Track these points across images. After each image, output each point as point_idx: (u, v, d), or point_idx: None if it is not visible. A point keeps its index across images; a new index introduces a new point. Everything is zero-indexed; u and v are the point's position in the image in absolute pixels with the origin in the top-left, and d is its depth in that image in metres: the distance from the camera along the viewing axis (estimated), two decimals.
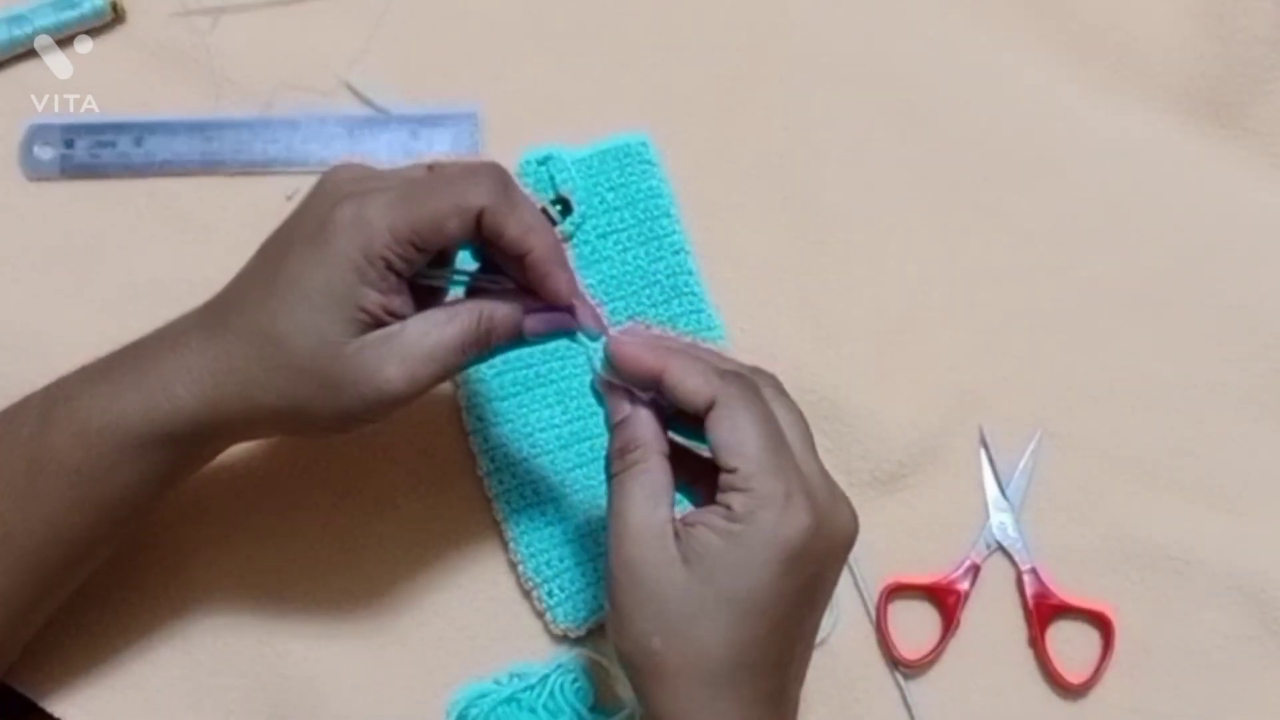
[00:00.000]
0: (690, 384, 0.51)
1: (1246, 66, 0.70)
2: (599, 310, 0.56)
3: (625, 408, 0.53)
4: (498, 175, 0.54)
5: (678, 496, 0.53)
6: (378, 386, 0.53)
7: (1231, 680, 0.65)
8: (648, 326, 0.54)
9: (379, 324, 0.53)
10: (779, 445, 0.51)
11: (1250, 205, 0.70)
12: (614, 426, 0.53)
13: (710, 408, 0.51)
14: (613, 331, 0.54)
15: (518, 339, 0.55)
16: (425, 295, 0.55)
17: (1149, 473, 0.67)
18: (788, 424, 0.52)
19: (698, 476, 0.54)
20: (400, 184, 0.54)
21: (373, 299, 0.52)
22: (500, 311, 0.54)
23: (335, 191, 0.54)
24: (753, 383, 0.52)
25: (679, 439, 0.55)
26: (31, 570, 0.56)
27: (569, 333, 0.55)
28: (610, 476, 0.53)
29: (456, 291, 0.57)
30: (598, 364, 0.54)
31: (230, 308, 0.55)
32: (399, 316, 0.53)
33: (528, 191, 0.67)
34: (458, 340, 0.53)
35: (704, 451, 0.53)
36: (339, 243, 0.52)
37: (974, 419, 0.67)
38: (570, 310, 0.55)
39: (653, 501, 0.51)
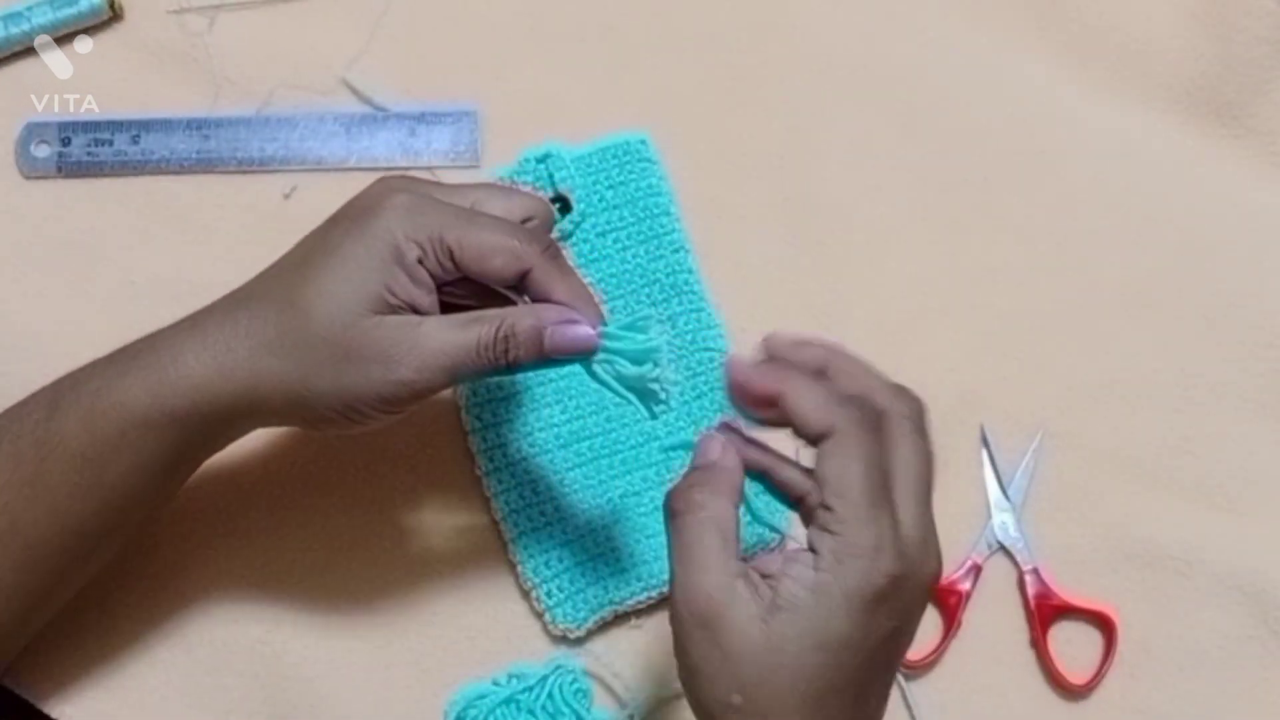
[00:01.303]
0: (808, 409, 0.49)
1: (1247, 66, 0.70)
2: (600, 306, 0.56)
3: (717, 449, 0.51)
4: (542, 215, 0.56)
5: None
6: (385, 368, 0.53)
7: (1232, 680, 0.65)
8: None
9: (400, 312, 0.53)
10: (881, 489, 0.49)
11: (1250, 205, 0.70)
12: (698, 465, 0.51)
13: (825, 438, 0.49)
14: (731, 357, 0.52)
15: (540, 355, 0.54)
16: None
17: (1150, 473, 0.67)
18: (904, 463, 0.50)
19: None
20: (460, 203, 0.55)
21: (401, 282, 0.53)
22: (524, 322, 0.54)
23: (393, 185, 0.55)
24: (875, 416, 0.50)
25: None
26: (38, 561, 0.56)
27: (592, 353, 0.54)
28: (674, 514, 0.50)
29: None
30: (628, 345, 0.53)
31: (260, 280, 0.56)
32: (422, 314, 0.54)
33: (527, 188, 0.67)
34: (474, 341, 0.53)
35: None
36: (385, 219, 0.53)
37: (974, 419, 0.67)
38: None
39: (727, 554, 0.49)
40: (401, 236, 0.53)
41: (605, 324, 0.54)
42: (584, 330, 0.54)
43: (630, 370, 0.54)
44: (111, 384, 0.55)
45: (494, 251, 0.53)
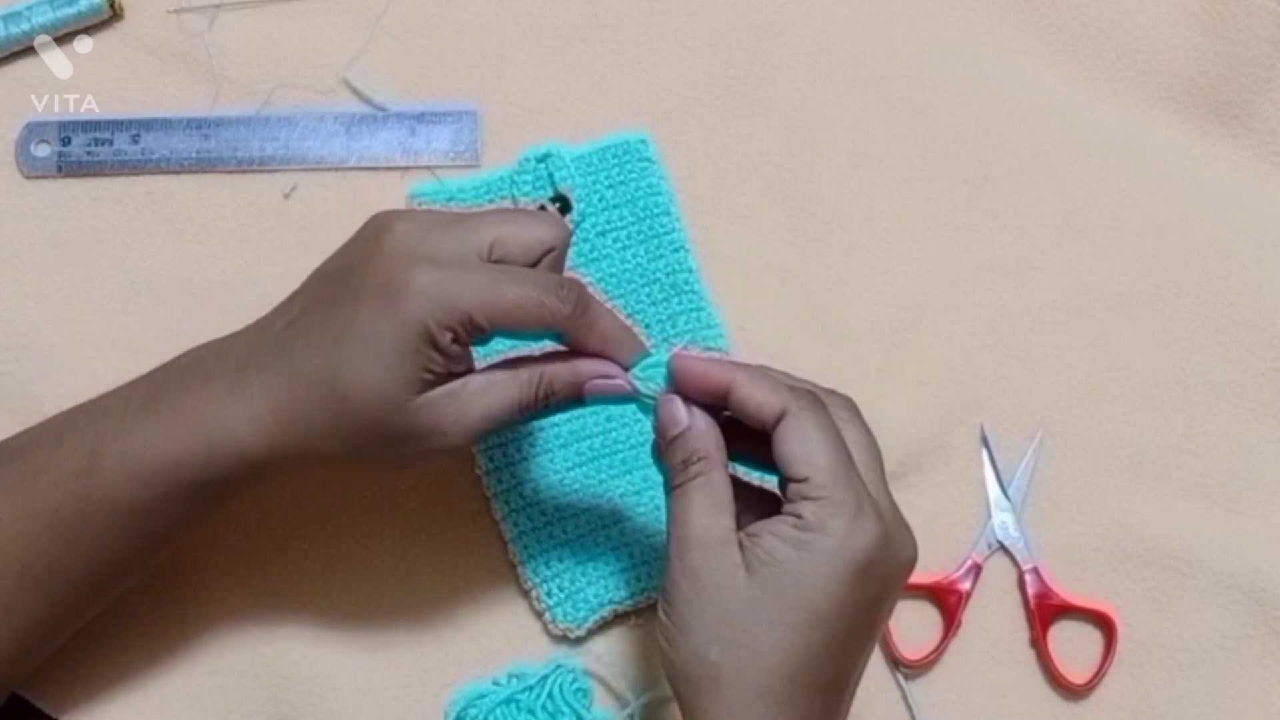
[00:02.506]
0: (761, 396, 0.52)
1: (1247, 66, 0.70)
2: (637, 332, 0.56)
3: (683, 420, 0.53)
4: (559, 240, 0.56)
5: None
6: (435, 441, 0.54)
7: (1232, 680, 0.65)
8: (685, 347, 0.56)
9: (441, 382, 0.53)
10: (848, 459, 0.51)
11: (1251, 205, 0.70)
12: (672, 439, 0.53)
13: (780, 419, 0.51)
14: (676, 348, 0.55)
15: (577, 401, 0.55)
16: None
17: (1150, 472, 0.67)
18: (857, 444, 0.52)
19: (749, 505, 0.54)
20: (485, 272, 0.54)
21: (438, 361, 0.53)
22: (561, 376, 0.55)
23: (408, 250, 0.53)
24: (821, 400, 0.53)
25: (738, 468, 0.55)
26: (70, 598, 0.56)
27: (630, 399, 0.55)
28: (671, 489, 0.53)
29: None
30: (657, 379, 0.55)
31: (295, 350, 0.54)
32: (461, 373, 0.54)
33: (528, 188, 0.67)
34: (516, 401, 0.54)
35: (756, 481, 0.54)
36: (413, 307, 0.52)
37: (974, 418, 0.67)
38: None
39: (716, 511, 0.51)
40: (434, 324, 0.52)
41: (634, 363, 0.55)
42: (619, 385, 0.55)
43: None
44: (160, 446, 0.54)
45: (525, 315, 0.53)
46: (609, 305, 0.57)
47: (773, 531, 0.50)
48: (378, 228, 0.55)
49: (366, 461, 0.55)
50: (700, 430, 0.53)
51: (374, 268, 0.54)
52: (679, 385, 0.54)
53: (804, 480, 0.50)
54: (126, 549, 0.56)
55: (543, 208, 0.67)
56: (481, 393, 0.54)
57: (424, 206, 0.67)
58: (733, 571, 0.50)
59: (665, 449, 0.54)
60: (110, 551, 0.55)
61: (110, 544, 0.55)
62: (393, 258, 0.54)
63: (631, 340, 0.55)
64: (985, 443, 0.67)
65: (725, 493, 0.52)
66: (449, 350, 0.53)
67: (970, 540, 0.66)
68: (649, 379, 0.55)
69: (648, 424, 0.65)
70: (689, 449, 0.53)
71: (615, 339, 0.55)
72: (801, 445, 0.51)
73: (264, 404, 0.54)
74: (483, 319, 0.52)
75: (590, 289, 0.55)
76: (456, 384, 0.54)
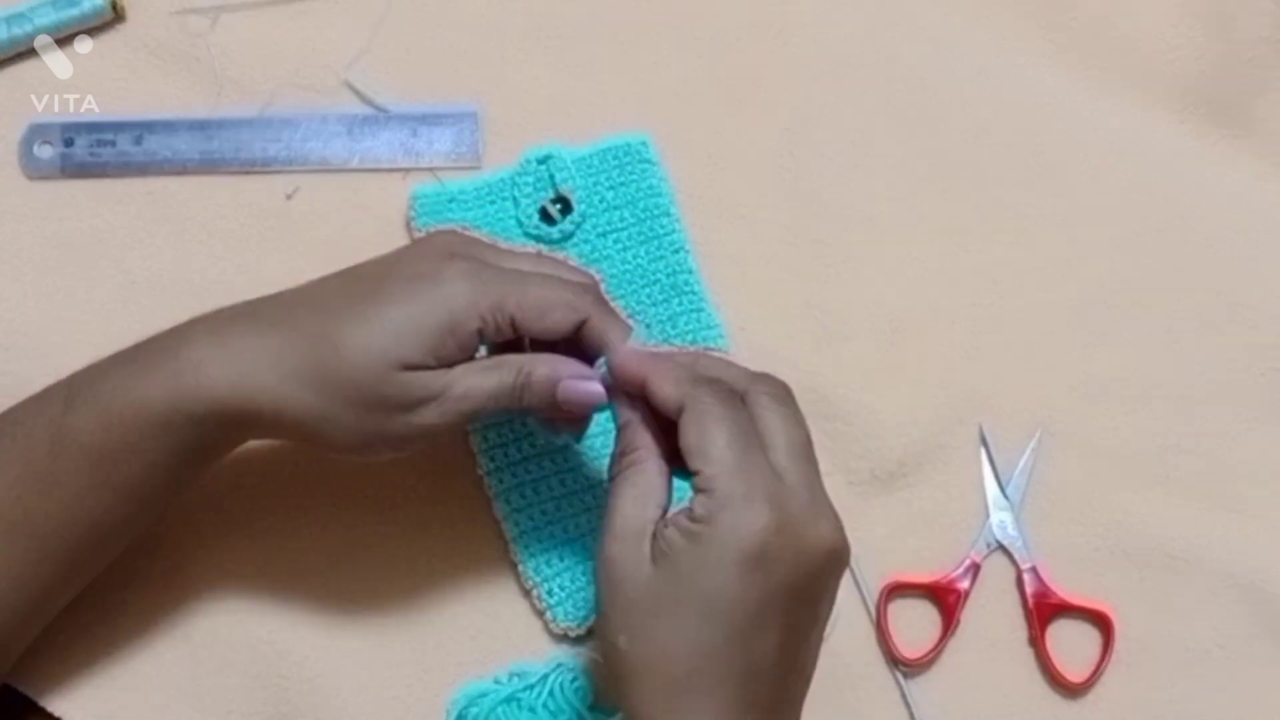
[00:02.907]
0: (665, 390, 0.53)
1: (1247, 66, 0.70)
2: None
3: (626, 413, 0.55)
4: (598, 288, 0.57)
5: None
6: (409, 415, 0.54)
7: (1232, 679, 0.65)
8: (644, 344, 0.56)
9: (436, 369, 0.54)
10: (746, 449, 0.51)
11: (1251, 205, 0.70)
12: (618, 431, 0.55)
13: (680, 413, 0.52)
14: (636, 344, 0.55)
15: (551, 405, 0.56)
16: None
17: (1149, 471, 0.67)
18: (773, 430, 0.52)
19: None
20: (513, 269, 0.56)
21: (449, 349, 0.54)
22: (540, 371, 0.55)
23: (450, 248, 0.56)
24: (730, 390, 0.53)
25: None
26: (48, 555, 0.56)
27: (601, 409, 0.56)
28: (609, 481, 0.54)
29: None
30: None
31: (300, 306, 0.56)
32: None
33: (529, 189, 0.68)
34: (494, 389, 0.55)
35: None
36: (448, 290, 0.54)
37: (974, 418, 0.68)
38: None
39: (641, 502, 0.52)
40: (463, 308, 0.54)
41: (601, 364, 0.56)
42: (594, 387, 0.55)
43: None
44: (130, 384, 0.55)
45: (552, 308, 0.55)
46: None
47: (674, 523, 0.51)
48: (422, 237, 0.57)
49: (334, 429, 0.54)
50: (634, 423, 0.54)
51: (407, 260, 0.56)
52: (616, 381, 0.55)
53: (698, 473, 0.51)
54: (98, 500, 0.55)
55: (543, 209, 0.68)
56: (464, 377, 0.55)
57: (426, 208, 0.67)
58: (640, 563, 0.51)
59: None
60: (84, 503, 0.55)
61: (83, 493, 0.55)
62: (430, 252, 0.56)
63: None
64: (984, 442, 0.67)
65: (654, 484, 0.53)
66: (467, 341, 0.54)
67: (969, 539, 0.66)
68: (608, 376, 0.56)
69: None
70: (624, 441, 0.54)
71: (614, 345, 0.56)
72: (697, 438, 0.51)
73: (241, 345, 0.54)
74: (513, 308, 0.54)
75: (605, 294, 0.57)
76: (446, 370, 0.55)
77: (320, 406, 0.54)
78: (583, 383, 0.55)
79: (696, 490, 0.51)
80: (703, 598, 0.50)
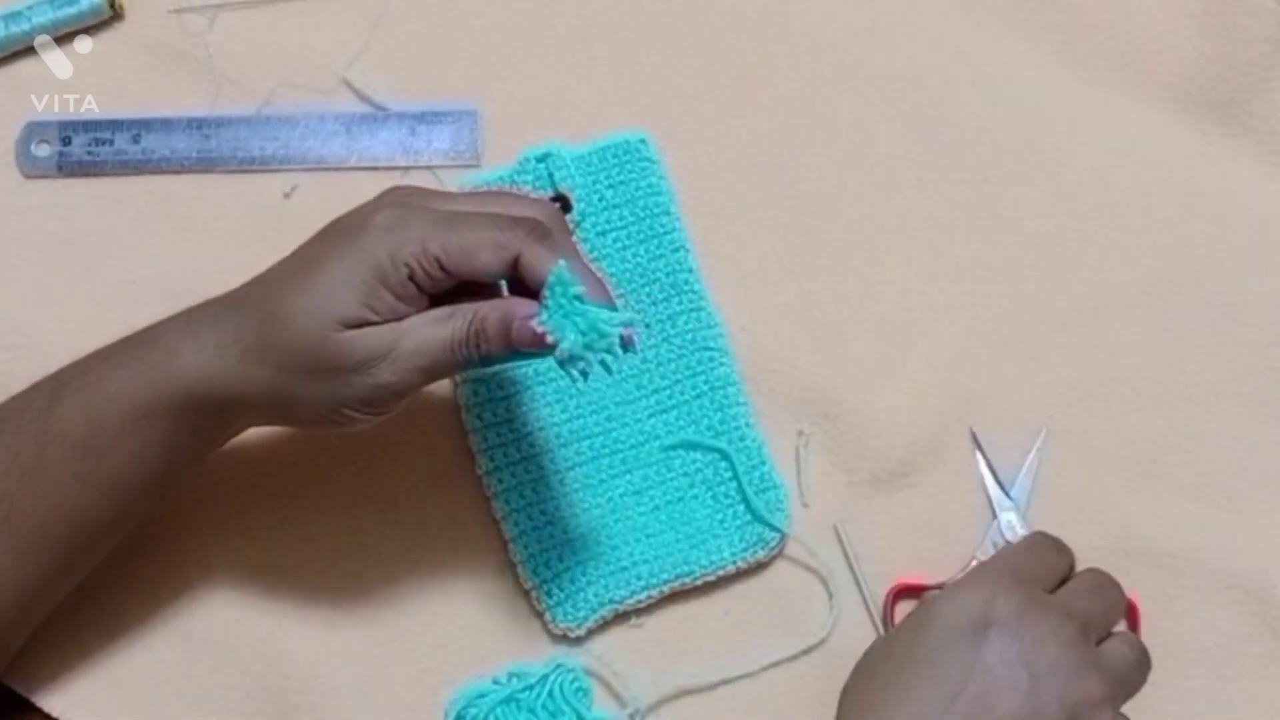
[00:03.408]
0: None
1: (1247, 65, 0.70)
2: (605, 281, 0.56)
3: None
4: (547, 219, 0.55)
5: None
6: (364, 375, 0.53)
7: (1232, 679, 0.65)
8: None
9: (382, 323, 0.53)
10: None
11: (1251, 204, 0.70)
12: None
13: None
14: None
15: (508, 348, 0.54)
16: None
17: (1150, 471, 0.67)
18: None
19: None
20: (450, 209, 0.55)
21: (386, 300, 0.53)
22: (493, 315, 0.54)
23: (386, 199, 0.56)
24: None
25: None
26: (37, 550, 0.56)
27: (552, 348, 0.53)
28: None
29: None
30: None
31: (252, 286, 0.56)
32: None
33: (528, 188, 0.68)
34: (448, 338, 0.54)
35: None
36: (370, 239, 0.53)
37: (974, 418, 0.67)
38: None
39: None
40: (385, 256, 0.53)
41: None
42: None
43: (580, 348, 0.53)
44: (111, 375, 0.55)
45: (478, 248, 0.53)
46: (588, 260, 0.57)
47: None
48: (378, 197, 0.56)
49: (300, 401, 0.54)
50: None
51: (343, 219, 0.56)
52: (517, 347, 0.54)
53: None
54: (84, 493, 0.55)
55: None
56: (415, 329, 0.54)
57: None
58: None
59: None
60: (70, 496, 0.55)
61: (69, 486, 0.55)
62: (365, 208, 0.55)
63: (596, 282, 0.54)
64: (978, 445, 0.67)
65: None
66: (402, 289, 0.53)
67: (971, 539, 0.66)
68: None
69: (648, 424, 0.66)
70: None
71: (580, 272, 0.54)
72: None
73: (210, 328, 0.55)
74: (438, 250, 0.53)
75: (561, 232, 0.55)
76: (394, 324, 0.54)
77: (278, 380, 0.54)
78: (533, 322, 0.53)
79: None
80: None
